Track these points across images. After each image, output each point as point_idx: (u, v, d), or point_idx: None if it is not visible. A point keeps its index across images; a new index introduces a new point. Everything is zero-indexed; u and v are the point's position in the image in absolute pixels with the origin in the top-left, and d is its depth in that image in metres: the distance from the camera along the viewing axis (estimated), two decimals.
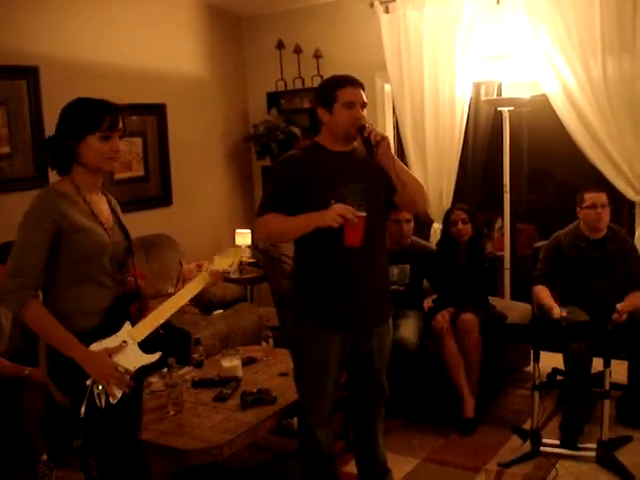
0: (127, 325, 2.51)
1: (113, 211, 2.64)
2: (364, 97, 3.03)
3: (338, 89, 2.99)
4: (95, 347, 2.41)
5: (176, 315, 4.81)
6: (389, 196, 3.08)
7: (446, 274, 4.64)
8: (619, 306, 4.14)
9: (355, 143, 3.09)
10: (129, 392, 2.44)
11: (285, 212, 3.01)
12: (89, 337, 2.42)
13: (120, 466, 2.53)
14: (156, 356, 2.56)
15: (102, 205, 2.59)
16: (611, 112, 4.78)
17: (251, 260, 3.04)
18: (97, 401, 2.39)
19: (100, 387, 2.39)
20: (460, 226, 4.56)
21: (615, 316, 4.09)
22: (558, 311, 4.17)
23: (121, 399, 2.42)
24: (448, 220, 4.65)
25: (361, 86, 3.04)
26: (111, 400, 2.40)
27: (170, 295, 2.69)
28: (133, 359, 2.48)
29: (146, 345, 2.55)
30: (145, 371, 2.68)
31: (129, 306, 2.59)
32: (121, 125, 2.48)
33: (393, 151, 3.04)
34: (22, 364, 3.71)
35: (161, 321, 2.58)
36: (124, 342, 2.46)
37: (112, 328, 2.48)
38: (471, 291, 4.57)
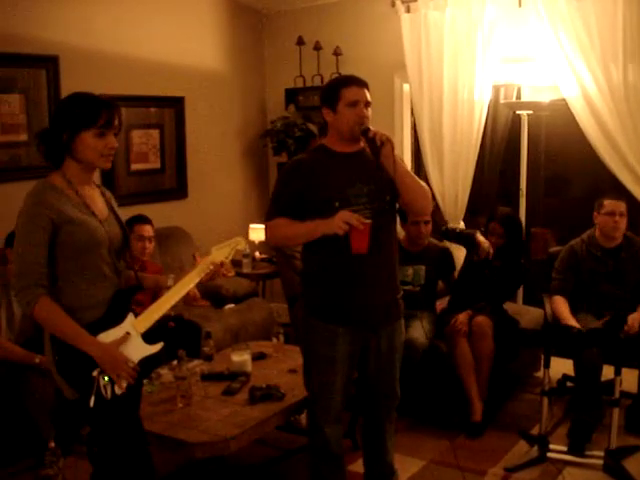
0: (130, 316, 2.53)
1: (108, 203, 2.64)
2: (368, 96, 3.01)
3: (342, 88, 2.99)
4: (100, 338, 2.44)
5: (187, 308, 4.87)
6: (396, 197, 3.08)
7: (474, 272, 4.63)
8: (631, 318, 4.12)
9: (362, 143, 3.08)
10: (134, 383, 2.48)
11: (292, 216, 3.03)
12: (93, 329, 2.44)
13: (125, 455, 2.55)
14: (158, 347, 2.58)
15: (96, 197, 2.59)
16: (630, 119, 4.74)
17: (246, 251, 3.06)
18: (103, 392, 2.42)
19: (106, 378, 2.41)
20: (494, 240, 4.55)
21: (627, 328, 4.07)
22: (575, 323, 4.16)
23: (127, 389, 2.46)
24: (487, 226, 4.64)
25: (365, 85, 3.03)
26: (117, 391, 2.43)
27: (169, 288, 2.71)
28: (136, 350, 2.51)
29: (151, 336, 2.58)
30: (155, 363, 2.70)
31: (131, 297, 2.61)
32: (117, 122, 2.48)
33: (408, 150, 3.04)
34: (34, 351, 3.74)
35: (163, 312, 2.60)
36: (127, 333, 2.49)
37: (115, 320, 2.50)
38: (492, 293, 4.56)
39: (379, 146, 2.87)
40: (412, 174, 3.07)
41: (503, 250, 4.58)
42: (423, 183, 3.10)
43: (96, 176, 2.67)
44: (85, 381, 2.42)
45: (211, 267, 2.70)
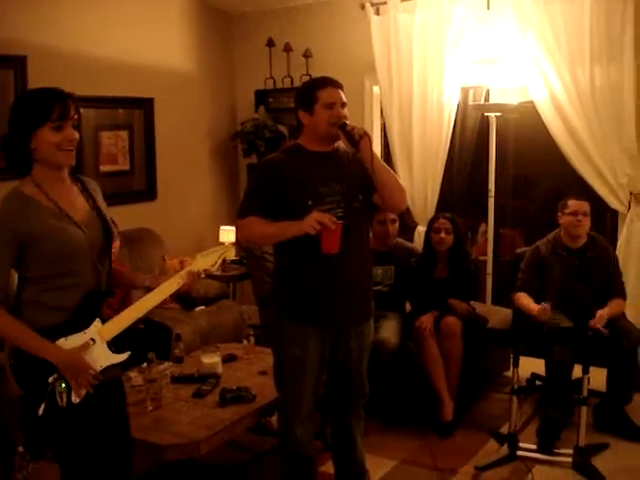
0: (97, 322, 2.41)
1: (91, 198, 2.51)
2: (343, 97, 3.04)
3: (318, 90, 3.01)
4: (61, 342, 2.34)
5: (157, 310, 4.84)
6: (369, 196, 3.10)
7: (423, 286, 4.65)
8: (599, 312, 4.17)
9: (336, 144, 3.10)
10: (93, 392, 2.35)
11: (266, 214, 3.04)
12: (56, 331, 2.34)
13: (82, 467, 2.44)
14: (124, 356, 2.47)
15: (73, 197, 2.45)
16: (597, 121, 4.81)
17: (235, 258, 2.87)
18: (58, 399, 2.32)
19: (63, 385, 2.31)
20: (443, 235, 4.57)
21: (592, 322, 4.11)
22: (537, 306, 4.18)
23: (88, 399, 2.36)
24: (432, 227, 4.67)
25: (340, 86, 3.06)
26: (74, 399, 2.33)
27: (144, 289, 2.62)
28: (100, 358, 2.40)
29: (119, 339, 2.50)
30: (124, 366, 2.65)
31: (100, 302, 2.47)
32: (73, 113, 2.34)
33: (378, 152, 3.05)
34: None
35: (132, 321, 2.47)
36: (92, 340, 2.38)
37: (80, 325, 2.39)
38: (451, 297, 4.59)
39: (357, 140, 2.90)
40: (389, 168, 3.09)
41: (452, 255, 4.63)
42: (399, 179, 3.14)
43: None
44: (38, 387, 2.32)
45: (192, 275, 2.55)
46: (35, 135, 2.30)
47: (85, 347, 2.36)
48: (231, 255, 2.69)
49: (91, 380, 2.34)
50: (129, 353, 2.49)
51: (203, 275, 2.61)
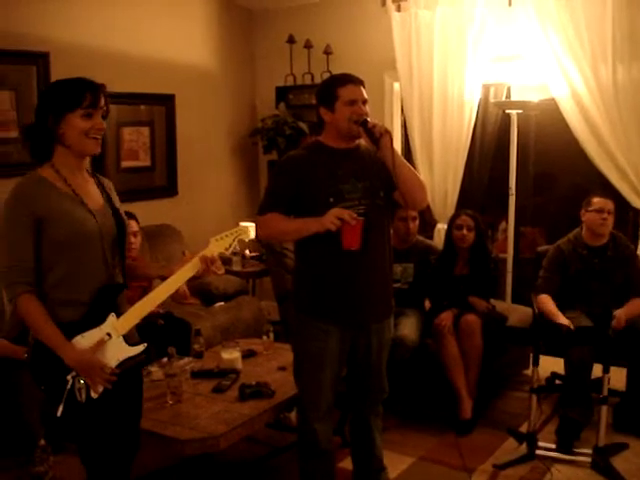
0: (112, 317, 2.41)
1: (105, 193, 2.54)
2: (365, 94, 3.04)
3: (339, 87, 3.01)
4: (77, 340, 2.34)
5: (177, 306, 4.87)
6: (390, 194, 3.09)
7: (443, 283, 4.65)
8: (617, 313, 4.13)
9: (357, 141, 3.10)
10: (111, 387, 2.37)
11: (286, 212, 3.05)
12: (73, 329, 2.35)
13: (104, 459, 2.46)
14: (140, 348, 2.48)
15: (89, 187, 2.49)
16: (619, 118, 4.77)
17: (252, 238, 2.79)
18: (77, 396, 2.33)
19: (82, 382, 2.32)
20: (465, 232, 4.57)
21: (614, 323, 4.08)
22: (565, 320, 4.15)
23: (107, 393, 2.37)
24: (453, 223, 4.66)
25: (361, 83, 3.06)
26: (92, 395, 2.35)
27: (158, 278, 2.62)
28: (116, 352, 2.40)
29: (142, 335, 2.52)
30: (144, 360, 2.65)
31: (115, 296, 2.47)
32: (103, 103, 2.39)
33: (399, 149, 3.04)
34: (25, 346, 3.71)
35: (147, 312, 2.48)
36: (108, 335, 2.38)
37: (96, 320, 2.39)
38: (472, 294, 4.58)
39: (378, 137, 2.90)
40: (410, 166, 3.09)
41: (473, 252, 4.61)
42: (419, 176, 3.14)
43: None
44: (57, 385, 2.34)
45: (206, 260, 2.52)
46: (65, 119, 2.35)
47: (100, 344, 2.37)
48: (247, 236, 2.66)
49: (107, 377, 2.35)
50: (145, 345, 2.50)
51: (219, 263, 2.57)
